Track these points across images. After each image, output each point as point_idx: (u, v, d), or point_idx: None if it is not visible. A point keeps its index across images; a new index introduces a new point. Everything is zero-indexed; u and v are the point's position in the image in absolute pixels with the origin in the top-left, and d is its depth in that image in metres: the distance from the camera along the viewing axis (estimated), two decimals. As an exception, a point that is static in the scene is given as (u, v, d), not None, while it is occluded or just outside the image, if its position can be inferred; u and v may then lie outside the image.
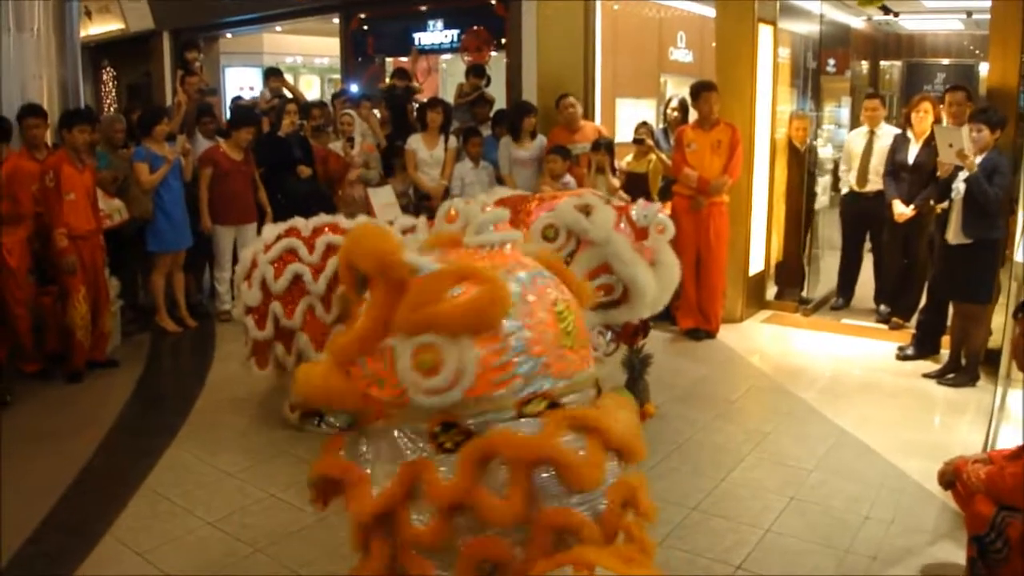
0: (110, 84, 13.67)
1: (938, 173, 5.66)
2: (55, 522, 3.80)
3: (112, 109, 13.13)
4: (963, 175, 5.26)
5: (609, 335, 4.52)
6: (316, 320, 4.52)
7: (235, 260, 6.85)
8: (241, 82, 13.63)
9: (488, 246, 2.57)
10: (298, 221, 4.77)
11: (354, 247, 2.45)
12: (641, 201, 4.62)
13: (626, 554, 2.26)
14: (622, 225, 4.35)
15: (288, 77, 9.84)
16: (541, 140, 7.22)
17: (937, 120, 6.24)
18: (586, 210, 4.21)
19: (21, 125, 5.73)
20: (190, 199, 6.87)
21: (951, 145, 5.19)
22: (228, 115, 8.66)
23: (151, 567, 3.39)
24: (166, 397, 5.66)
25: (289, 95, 8.80)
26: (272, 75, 9.21)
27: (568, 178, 6.79)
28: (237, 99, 10.04)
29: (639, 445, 2.45)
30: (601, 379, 2.60)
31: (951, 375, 5.57)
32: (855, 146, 7.11)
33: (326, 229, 4.64)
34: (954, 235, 5.39)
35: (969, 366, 5.53)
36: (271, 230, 4.81)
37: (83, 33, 9.40)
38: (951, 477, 3.10)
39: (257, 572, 3.35)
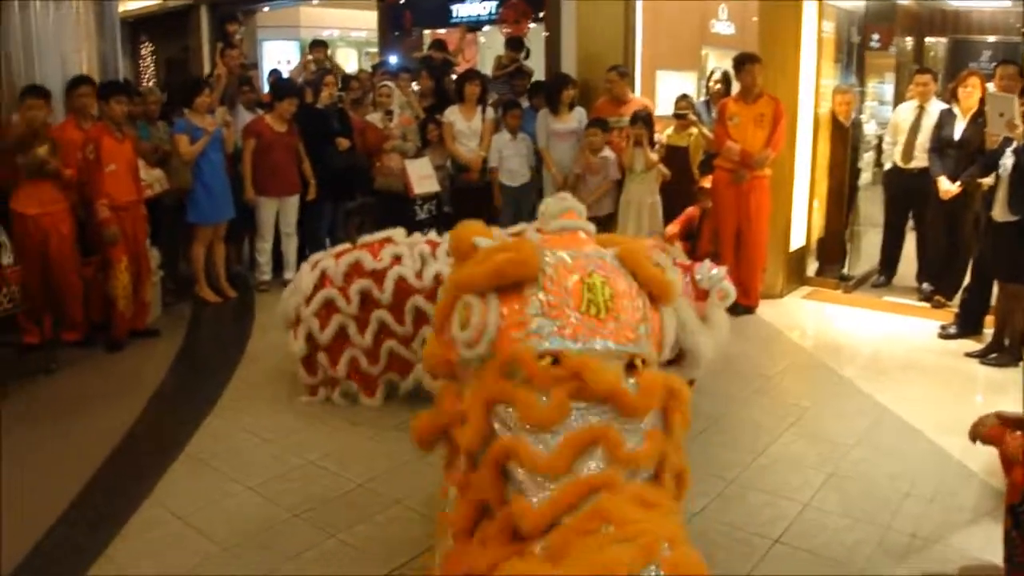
0: (148, 59, 13.74)
1: (986, 144, 5.53)
2: (97, 487, 3.87)
3: (151, 84, 13.23)
4: (1011, 148, 5.14)
5: None
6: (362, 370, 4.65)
7: (277, 231, 7.12)
8: (278, 56, 13.65)
9: (564, 230, 2.79)
10: (328, 265, 4.64)
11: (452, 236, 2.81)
12: (707, 263, 4.50)
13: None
14: (684, 282, 4.20)
15: (325, 50, 9.87)
16: (581, 113, 7.14)
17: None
18: None
19: (70, 95, 5.80)
20: (233, 171, 6.92)
21: (1002, 114, 5.06)
22: (267, 88, 8.68)
23: (191, 530, 3.44)
24: (206, 366, 5.72)
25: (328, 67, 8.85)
26: (316, 46, 9.30)
27: (607, 151, 6.75)
28: (274, 72, 10.06)
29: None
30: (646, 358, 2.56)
31: (994, 355, 5.47)
32: (903, 120, 6.95)
33: (355, 276, 4.56)
34: (1000, 212, 5.28)
35: (1012, 346, 5.43)
36: (307, 278, 4.69)
37: (121, 8, 9.48)
38: (983, 435, 3.01)
39: (296, 536, 3.39)
